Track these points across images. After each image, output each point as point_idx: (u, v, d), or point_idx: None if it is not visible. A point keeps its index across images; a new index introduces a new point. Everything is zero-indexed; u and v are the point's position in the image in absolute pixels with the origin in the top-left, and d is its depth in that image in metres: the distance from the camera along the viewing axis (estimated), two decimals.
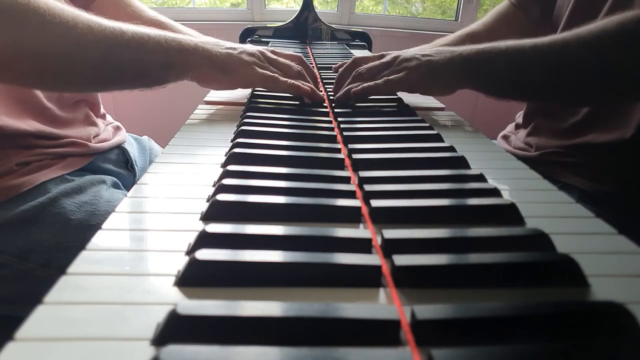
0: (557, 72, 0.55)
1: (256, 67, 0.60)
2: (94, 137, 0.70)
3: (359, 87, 0.62)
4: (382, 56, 0.66)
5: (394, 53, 0.64)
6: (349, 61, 0.69)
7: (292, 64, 0.65)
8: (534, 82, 0.57)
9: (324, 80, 0.78)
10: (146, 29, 0.54)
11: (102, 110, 0.77)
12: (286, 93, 0.62)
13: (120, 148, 0.77)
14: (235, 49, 0.60)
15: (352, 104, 0.62)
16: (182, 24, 0.86)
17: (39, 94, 0.60)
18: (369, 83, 0.61)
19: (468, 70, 0.59)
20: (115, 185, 0.67)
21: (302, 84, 0.62)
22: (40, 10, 0.43)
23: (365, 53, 1.23)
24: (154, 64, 0.54)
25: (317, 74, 0.84)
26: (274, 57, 0.64)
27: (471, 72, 0.59)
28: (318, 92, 0.64)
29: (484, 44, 0.59)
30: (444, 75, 0.59)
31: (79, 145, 0.66)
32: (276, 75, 0.61)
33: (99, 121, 0.74)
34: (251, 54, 0.61)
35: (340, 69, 0.69)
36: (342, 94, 0.63)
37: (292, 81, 0.61)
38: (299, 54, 0.71)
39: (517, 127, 0.83)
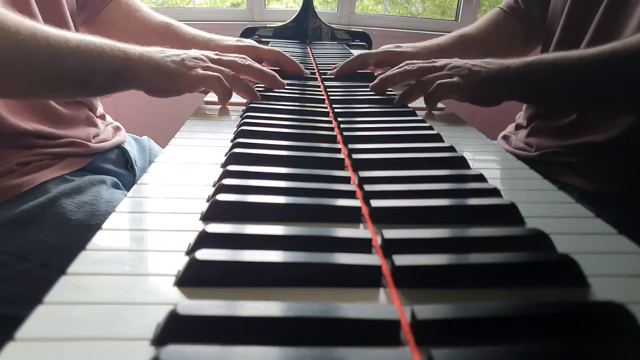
0: (605, 84, 0.57)
1: (199, 69, 0.59)
2: (93, 137, 0.70)
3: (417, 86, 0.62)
4: (433, 62, 0.66)
5: (444, 60, 0.65)
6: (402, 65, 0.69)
7: (237, 59, 0.65)
8: (583, 93, 0.59)
9: (325, 81, 0.78)
10: (93, 38, 0.53)
11: (101, 111, 0.77)
12: (235, 91, 0.62)
13: (120, 148, 0.77)
14: (178, 55, 0.60)
15: (353, 103, 0.63)
16: (183, 24, 0.87)
17: None
18: (422, 79, 0.62)
19: (519, 82, 0.60)
20: (115, 186, 0.67)
21: (243, 78, 0.62)
22: None
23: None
24: (98, 73, 0.54)
25: (317, 74, 0.84)
26: (217, 57, 0.64)
27: (522, 85, 0.60)
28: (272, 78, 0.65)
29: (531, 56, 0.61)
30: (495, 86, 0.61)
31: (79, 145, 0.66)
32: (217, 74, 0.60)
33: (99, 121, 0.74)
34: (195, 58, 0.61)
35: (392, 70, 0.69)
36: (380, 81, 0.65)
37: (233, 74, 0.61)
38: (244, 56, 0.69)
39: (518, 127, 0.83)
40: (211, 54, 0.64)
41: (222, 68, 0.61)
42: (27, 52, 0.47)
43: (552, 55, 0.60)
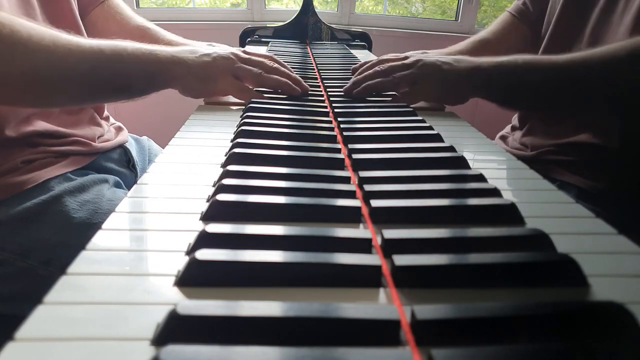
0: (567, 88, 0.58)
1: (232, 77, 0.61)
2: (98, 138, 0.71)
3: (374, 82, 0.64)
4: (406, 58, 0.66)
5: (417, 56, 0.65)
6: (373, 60, 0.70)
7: (266, 60, 0.66)
8: (543, 96, 0.60)
9: (324, 81, 0.78)
10: (124, 43, 0.54)
11: (106, 113, 0.78)
12: (260, 95, 0.63)
13: (122, 148, 0.78)
14: (209, 54, 0.61)
15: (353, 103, 0.63)
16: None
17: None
18: (384, 79, 0.63)
19: (484, 82, 0.61)
20: (117, 185, 0.68)
21: (279, 79, 0.63)
22: (23, 39, 0.45)
23: (365, 53, 1.23)
24: (134, 78, 0.55)
25: (317, 74, 0.84)
26: (247, 56, 0.64)
27: (487, 85, 0.61)
28: (295, 86, 0.65)
29: (501, 57, 0.61)
30: (462, 86, 0.61)
31: (83, 144, 0.66)
32: (249, 87, 0.62)
33: (103, 122, 0.75)
34: (225, 58, 0.61)
35: (362, 67, 0.70)
36: (353, 83, 0.65)
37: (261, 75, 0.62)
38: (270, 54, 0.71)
39: (513, 129, 0.84)
40: (240, 52, 0.64)
41: (250, 68, 0.62)
42: (66, 67, 0.49)
43: (523, 57, 0.60)
